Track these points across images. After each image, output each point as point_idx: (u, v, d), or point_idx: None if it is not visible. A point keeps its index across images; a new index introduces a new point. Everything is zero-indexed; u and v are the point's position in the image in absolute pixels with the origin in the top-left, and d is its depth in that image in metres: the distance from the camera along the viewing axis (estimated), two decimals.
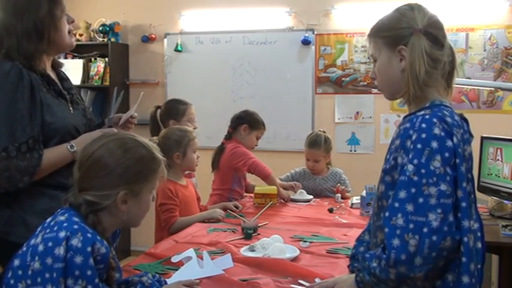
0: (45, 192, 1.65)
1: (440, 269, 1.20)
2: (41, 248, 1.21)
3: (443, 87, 1.37)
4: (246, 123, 3.19)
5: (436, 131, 1.21)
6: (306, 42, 4.45)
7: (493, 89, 3.95)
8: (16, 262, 1.25)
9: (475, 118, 4.09)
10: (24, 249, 1.26)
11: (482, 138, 3.02)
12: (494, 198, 2.90)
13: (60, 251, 1.19)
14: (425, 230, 1.15)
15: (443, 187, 1.17)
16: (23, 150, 1.56)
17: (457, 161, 1.21)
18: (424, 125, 1.23)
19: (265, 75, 4.62)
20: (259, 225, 2.38)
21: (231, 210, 2.77)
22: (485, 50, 4.14)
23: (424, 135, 1.21)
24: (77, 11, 4.91)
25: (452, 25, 4.18)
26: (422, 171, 1.19)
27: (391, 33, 1.36)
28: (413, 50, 1.31)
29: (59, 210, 1.33)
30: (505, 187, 2.78)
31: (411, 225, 1.16)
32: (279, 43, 4.58)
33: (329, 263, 1.86)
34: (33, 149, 1.59)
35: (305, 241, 2.13)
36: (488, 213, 2.90)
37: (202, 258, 1.76)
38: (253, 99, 4.61)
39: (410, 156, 1.21)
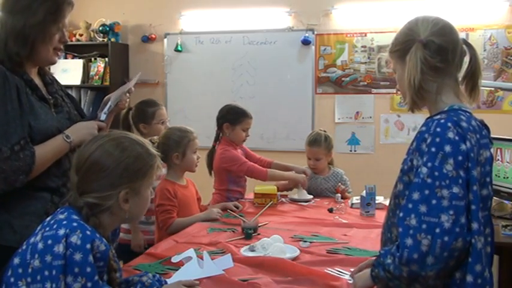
0: (32, 195, 1.66)
1: (451, 268, 1.24)
2: (40, 246, 1.22)
3: (467, 92, 1.43)
4: (226, 121, 3.15)
5: (450, 135, 1.25)
6: (306, 42, 4.45)
7: (493, 89, 3.95)
8: (16, 260, 1.25)
9: None
10: (24, 247, 1.26)
11: None
12: (494, 198, 2.90)
13: (60, 248, 1.19)
14: (437, 230, 1.19)
15: (455, 190, 1.21)
16: (15, 150, 1.57)
17: (469, 164, 1.24)
18: (438, 129, 1.27)
19: (265, 75, 4.62)
20: (259, 225, 2.38)
21: (231, 210, 2.77)
22: (485, 50, 4.14)
23: (438, 139, 1.26)
24: (77, 11, 4.90)
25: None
26: (436, 173, 1.23)
27: (399, 47, 1.44)
28: (410, 60, 1.38)
29: (58, 209, 1.33)
30: (505, 187, 2.78)
31: (424, 226, 1.20)
32: (279, 43, 4.58)
33: (329, 262, 1.85)
34: (25, 148, 1.59)
35: (305, 241, 2.13)
36: None
37: (202, 258, 1.76)
38: (253, 99, 4.61)
39: (424, 159, 1.26)
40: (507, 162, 2.81)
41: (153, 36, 4.85)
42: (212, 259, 1.78)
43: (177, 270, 1.73)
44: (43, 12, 1.67)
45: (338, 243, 2.12)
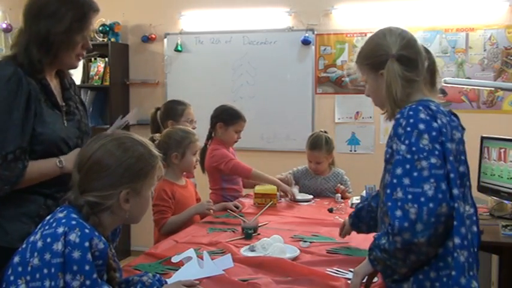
0: (25, 197, 1.64)
1: (441, 235, 1.33)
2: (39, 244, 1.22)
3: (430, 89, 1.58)
4: (220, 120, 3.16)
5: (422, 115, 1.39)
6: (306, 42, 4.45)
7: (493, 89, 3.95)
8: (16, 259, 1.25)
9: (475, 118, 4.14)
10: (24, 246, 1.27)
11: (482, 138, 3.01)
12: (494, 198, 2.90)
13: (58, 246, 1.19)
14: (422, 199, 1.29)
15: (433, 160, 1.33)
16: (8, 159, 1.55)
17: (443, 138, 1.37)
18: (411, 112, 1.41)
19: (265, 75, 4.62)
20: (259, 225, 2.38)
21: (231, 210, 2.77)
22: (485, 50, 4.14)
23: (411, 120, 1.39)
24: None
25: (452, 25, 4.18)
26: (413, 148, 1.35)
27: (371, 61, 1.57)
28: (388, 74, 1.51)
29: (58, 208, 1.34)
30: (505, 187, 2.78)
31: (409, 196, 1.30)
32: (279, 43, 4.58)
33: (329, 262, 1.86)
34: (19, 159, 1.57)
35: (305, 241, 2.13)
36: (488, 213, 2.90)
37: (202, 258, 1.76)
38: (253, 99, 4.61)
39: (402, 138, 1.39)
40: (507, 162, 2.80)
41: (153, 36, 4.85)
42: (212, 259, 1.78)
43: (177, 270, 1.73)
44: (69, 20, 1.65)
45: (338, 243, 2.12)
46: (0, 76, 1.60)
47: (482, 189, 2.98)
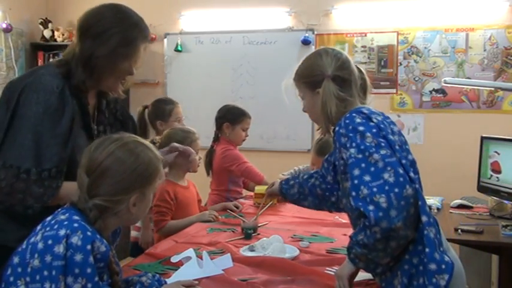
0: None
1: (414, 216, 1.37)
2: (40, 245, 1.21)
3: (362, 103, 1.68)
4: (226, 120, 3.16)
5: (358, 120, 1.48)
6: (306, 42, 4.45)
7: (493, 89, 3.95)
8: (15, 259, 1.25)
9: (475, 118, 4.14)
10: (24, 246, 1.26)
11: (482, 138, 3.01)
12: (494, 198, 2.90)
13: (60, 249, 1.19)
14: (386, 187, 1.34)
15: (382, 151, 1.40)
16: (43, 176, 1.49)
17: (384, 132, 1.45)
18: (347, 121, 1.50)
19: (265, 75, 4.62)
20: (259, 225, 2.38)
21: (231, 210, 2.77)
22: (485, 50, 4.14)
23: (350, 127, 1.47)
24: (77, 11, 4.91)
25: (452, 25, 4.18)
26: (362, 147, 1.42)
27: (308, 80, 1.69)
28: (324, 94, 1.61)
29: (59, 209, 1.33)
30: (505, 187, 2.78)
31: (375, 189, 1.35)
32: (279, 43, 4.58)
33: (329, 262, 1.85)
34: (54, 178, 1.51)
35: (305, 241, 2.13)
36: (488, 213, 2.90)
37: (201, 258, 1.76)
38: (253, 99, 4.61)
39: (348, 145, 1.46)
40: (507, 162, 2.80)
41: (153, 36, 4.84)
42: (212, 259, 1.78)
43: (176, 270, 1.73)
44: (113, 45, 1.58)
45: (338, 243, 2.12)
46: (52, 86, 1.53)
47: (482, 189, 2.98)
